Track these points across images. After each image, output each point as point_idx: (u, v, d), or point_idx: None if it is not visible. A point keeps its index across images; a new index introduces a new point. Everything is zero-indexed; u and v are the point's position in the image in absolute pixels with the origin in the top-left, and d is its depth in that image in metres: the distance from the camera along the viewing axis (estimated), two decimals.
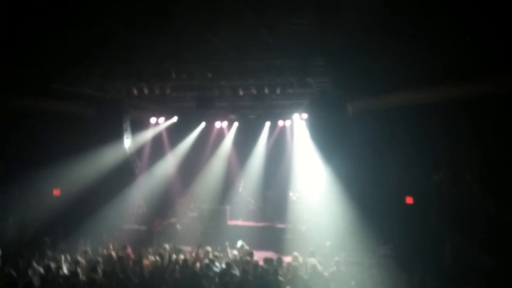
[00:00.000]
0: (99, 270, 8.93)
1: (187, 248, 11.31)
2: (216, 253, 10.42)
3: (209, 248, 10.63)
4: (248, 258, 9.91)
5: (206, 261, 9.48)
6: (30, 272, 8.81)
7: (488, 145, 10.25)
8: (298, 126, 15.49)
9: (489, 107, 9.87)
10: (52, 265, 9.31)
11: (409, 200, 12.17)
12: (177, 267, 9.26)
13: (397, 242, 11.37)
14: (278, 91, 12.23)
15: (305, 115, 14.85)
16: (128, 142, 15.28)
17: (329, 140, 13.05)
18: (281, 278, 8.46)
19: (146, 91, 12.87)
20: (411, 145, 11.75)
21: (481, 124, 10.23)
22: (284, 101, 14.03)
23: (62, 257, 9.68)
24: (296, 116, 15.31)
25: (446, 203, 10.95)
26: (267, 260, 9.57)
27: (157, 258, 9.87)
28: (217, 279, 8.59)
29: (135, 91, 12.84)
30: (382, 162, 12.53)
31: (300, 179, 14.63)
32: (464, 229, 10.16)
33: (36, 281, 8.30)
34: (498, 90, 9.58)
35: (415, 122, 11.56)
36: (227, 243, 10.97)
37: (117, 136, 14.85)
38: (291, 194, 14.90)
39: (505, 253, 9.11)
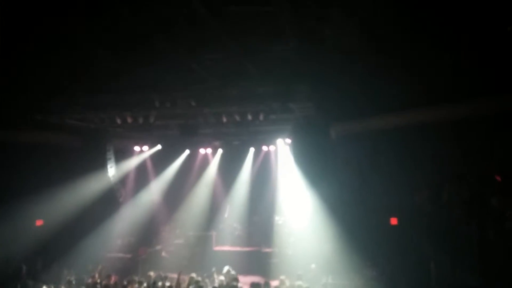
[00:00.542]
0: None
1: (173, 275, 11.19)
2: (200, 279, 10.34)
3: (194, 274, 10.56)
4: (234, 283, 9.85)
5: (192, 287, 9.40)
6: None
7: (469, 167, 10.52)
8: (282, 151, 15.69)
9: (470, 129, 10.16)
10: None
11: (394, 221, 12.34)
12: None
13: (382, 263, 11.44)
14: (261, 117, 12.43)
15: (288, 140, 15.07)
16: (112, 171, 15.21)
17: (313, 164, 13.24)
18: None
19: (129, 120, 12.96)
20: (394, 167, 11.99)
21: (462, 146, 10.50)
22: (267, 127, 14.24)
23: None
24: (280, 141, 15.52)
25: (429, 223, 11.12)
26: (254, 285, 9.54)
27: (144, 285, 9.74)
28: None
29: (118, 121, 12.90)
30: (366, 184, 12.73)
31: (286, 203, 14.72)
32: (448, 249, 10.30)
33: None
34: (480, 112, 9.88)
35: (398, 145, 11.83)
36: (214, 269, 10.91)
37: (101, 165, 14.80)
38: (276, 218, 14.95)
39: (487, 273, 9.23)
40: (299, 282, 9.53)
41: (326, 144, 13.33)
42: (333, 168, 12.88)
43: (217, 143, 16.51)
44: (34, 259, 12.36)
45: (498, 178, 9.50)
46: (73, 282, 10.59)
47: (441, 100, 10.42)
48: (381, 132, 12.17)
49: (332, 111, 12.35)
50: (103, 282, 10.31)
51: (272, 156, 16.40)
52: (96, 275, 10.92)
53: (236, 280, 9.99)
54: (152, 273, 10.87)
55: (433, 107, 10.76)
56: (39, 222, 13.66)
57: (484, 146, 10.02)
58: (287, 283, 10.00)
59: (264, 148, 16.41)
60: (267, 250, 14.23)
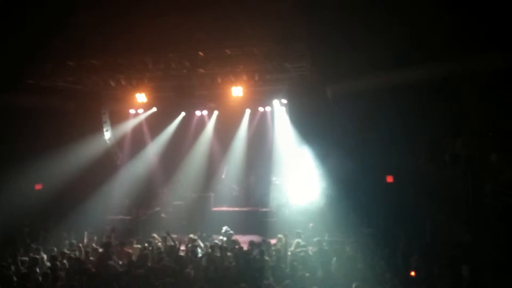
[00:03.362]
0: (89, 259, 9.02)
1: (173, 236, 11.40)
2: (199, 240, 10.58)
3: (192, 235, 10.80)
4: (233, 242, 10.10)
5: (192, 247, 9.62)
6: (16, 266, 8.79)
7: (467, 124, 10.54)
8: (278, 111, 15.62)
9: (467, 86, 10.11)
10: (40, 256, 9.35)
11: (390, 179, 12.51)
12: (163, 254, 9.37)
13: (378, 220, 11.69)
14: (256, 78, 12.31)
15: (284, 101, 14.98)
16: (108, 134, 15.18)
17: (309, 124, 13.21)
18: (267, 258, 8.66)
19: (123, 82, 12.77)
20: (390, 125, 12.01)
21: (460, 103, 10.49)
22: (263, 87, 14.11)
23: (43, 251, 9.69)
24: (276, 102, 15.41)
25: (426, 181, 11.27)
26: (252, 243, 9.76)
27: (145, 245, 9.97)
28: (202, 263, 8.74)
29: (112, 83, 12.72)
30: (362, 143, 12.77)
31: (282, 163, 14.81)
32: (444, 207, 10.48)
33: (24, 272, 8.29)
34: (477, 68, 9.77)
35: (394, 103, 11.78)
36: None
37: (97, 128, 14.75)
38: (274, 178, 15.10)
39: (482, 230, 9.42)
40: (297, 240, 9.75)
41: (322, 104, 13.25)
42: (329, 128, 12.86)
43: (212, 104, 16.37)
44: (34, 223, 12.53)
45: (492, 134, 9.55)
46: (74, 244, 10.81)
47: (437, 57, 10.29)
48: (378, 90, 12.07)
49: (328, 70, 12.20)
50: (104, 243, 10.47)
51: (268, 117, 16.35)
52: (95, 237, 11.15)
53: (236, 242, 10.24)
54: (155, 235, 11.07)
55: (429, 64, 10.63)
56: (38, 186, 13.77)
57: (481, 103, 9.99)
58: (285, 241, 10.23)
59: (260, 109, 16.32)
60: (265, 209, 14.48)
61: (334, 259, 8.44)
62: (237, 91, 12.70)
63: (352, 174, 12.26)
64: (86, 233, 11.54)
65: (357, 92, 12.71)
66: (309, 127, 13.19)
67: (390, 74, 11.62)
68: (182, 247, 10.22)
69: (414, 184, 11.45)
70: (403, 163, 11.94)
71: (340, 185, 12.18)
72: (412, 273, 7.92)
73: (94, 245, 10.56)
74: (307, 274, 7.81)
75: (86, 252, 9.63)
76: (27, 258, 9.39)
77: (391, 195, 11.79)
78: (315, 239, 9.85)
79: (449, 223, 10.01)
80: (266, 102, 15.79)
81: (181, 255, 9.22)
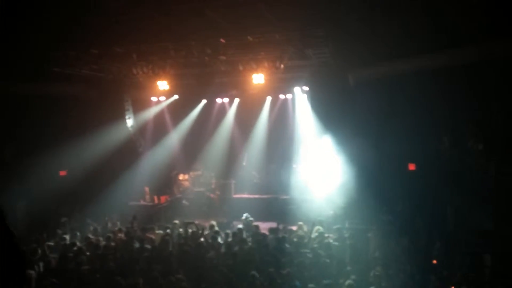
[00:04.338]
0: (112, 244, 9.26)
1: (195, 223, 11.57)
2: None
3: (213, 222, 10.93)
4: (254, 229, 10.19)
5: (212, 233, 9.76)
6: (44, 251, 9.07)
7: (489, 109, 10.30)
8: (299, 99, 15.51)
9: (488, 71, 9.86)
10: (65, 241, 9.64)
11: (412, 166, 12.33)
12: (184, 240, 9.54)
13: (400, 208, 11.57)
14: (277, 65, 12.21)
15: (306, 88, 14.85)
16: (130, 121, 15.40)
17: (330, 111, 13.12)
18: (287, 245, 8.71)
19: (145, 70, 12.88)
20: (412, 112, 11.80)
21: (481, 88, 10.24)
22: (284, 75, 14.01)
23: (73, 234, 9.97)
24: (297, 89, 15.30)
25: (447, 169, 11.09)
26: (272, 230, 9.83)
27: (167, 231, 10.15)
28: (223, 249, 8.85)
29: (134, 71, 12.85)
30: (384, 130, 12.60)
31: (303, 151, 14.75)
32: (465, 194, 10.31)
33: (52, 258, 8.57)
34: (497, 55, 9.55)
35: (416, 90, 11.55)
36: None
37: (119, 116, 14.98)
38: (294, 165, 15.07)
39: (503, 218, 9.26)
40: (317, 227, 9.75)
41: (344, 91, 13.12)
42: (350, 115, 12.72)
43: (234, 92, 16.37)
44: (59, 208, 12.89)
45: None
46: (98, 230, 11.09)
47: (461, 42, 10.06)
48: (400, 77, 11.89)
49: (350, 57, 12.05)
50: (127, 229, 10.71)
51: (290, 104, 16.26)
52: (118, 223, 11.42)
53: (257, 226, 10.33)
54: (177, 221, 11.26)
55: (452, 50, 10.41)
56: (62, 173, 14.15)
57: (501, 88, 9.73)
58: (305, 228, 10.26)
59: (281, 96, 16.23)
60: (285, 197, 14.49)
61: (353, 246, 8.43)
62: (258, 78, 12.65)
63: (374, 161, 12.13)
64: (107, 218, 11.83)
65: (379, 78, 12.52)
66: (330, 114, 13.09)
67: (412, 60, 11.42)
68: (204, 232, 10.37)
69: (437, 171, 11.27)
70: (425, 151, 11.75)
71: (361, 172, 12.07)
72: (434, 261, 7.84)
73: (116, 230, 10.82)
74: (328, 261, 7.83)
75: (109, 238, 9.87)
76: (52, 243, 9.69)
77: (413, 183, 11.64)
78: (335, 227, 9.86)
79: (471, 211, 9.83)
80: (287, 89, 15.68)
81: (201, 241, 9.37)
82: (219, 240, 9.50)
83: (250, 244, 9.06)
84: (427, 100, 11.42)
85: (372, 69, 12.52)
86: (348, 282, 6.46)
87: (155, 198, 15.03)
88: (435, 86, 11.14)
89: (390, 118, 12.43)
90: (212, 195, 14.97)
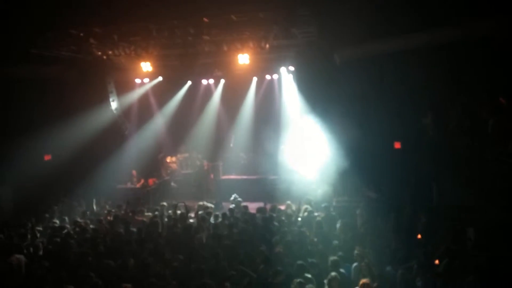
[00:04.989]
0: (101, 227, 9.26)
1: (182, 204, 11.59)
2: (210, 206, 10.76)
3: (201, 202, 10.98)
4: (243, 209, 10.25)
5: (201, 212, 9.80)
6: (33, 235, 9.02)
7: (471, 89, 10.41)
8: (285, 79, 15.46)
9: (471, 51, 9.93)
10: (53, 225, 9.59)
11: (397, 145, 12.48)
12: (174, 221, 9.56)
13: (385, 186, 11.75)
14: (263, 44, 12.09)
15: (292, 68, 14.79)
16: (114, 104, 15.18)
17: (316, 90, 13.14)
18: (276, 224, 8.81)
19: (127, 51, 12.63)
20: (398, 91, 11.87)
21: (464, 68, 10.32)
22: (270, 55, 13.90)
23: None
24: (283, 69, 15.22)
25: (432, 147, 11.25)
26: (260, 209, 9.90)
27: (156, 213, 10.16)
28: (212, 230, 8.91)
29: (116, 52, 12.59)
30: (370, 109, 12.70)
31: (290, 131, 14.78)
32: (450, 171, 10.49)
33: (40, 242, 8.53)
34: (482, 34, 9.60)
35: (402, 69, 11.61)
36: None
37: (103, 98, 14.74)
38: (281, 146, 15.12)
39: (486, 192, 9.47)
40: (305, 206, 9.87)
41: (330, 70, 13.11)
42: (337, 95, 12.76)
43: (219, 73, 16.20)
44: (46, 193, 12.74)
45: (502, 100, 9.41)
46: (87, 213, 11.04)
47: (442, 22, 10.08)
48: (385, 57, 11.90)
49: (335, 36, 11.98)
50: (115, 212, 10.70)
51: (276, 85, 16.20)
52: (107, 206, 11.38)
53: (246, 207, 10.40)
54: (165, 203, 11.27)
55: (434, 30, 10.43)
56: (47, 157, 13.94)
57: (484, 68, 9.83)
58: (293, 207, 10.37)
59: (267, 77, 16.15)
60: (273, 177, 14.58)
61: (339, 224, 8.56)
62: (243, 59, 12.55)
63: (360, 140, 12.24)
64: (94, 200, 11.76)
65: (365, 57, 12.51)
66: (316, 94, 13.11)
67: (397, 39, 11.41)
68: (191, 215, 10.41)
69: (421, 149, 11.43)
70: (410, 129, 11.88)
71: (348, 151, 12.17)
72: (419, 236, 8.02)
73: (105, 213, 10.80)
74: (315, 239, 7.96)
75: (98, 221, 9.85)
76: (41, 228, 9.64)
77: (399, 161, 11.80)
78: (322, 205, 9.99)
79: (454, 188, 10.04)
80: (273, 69, 15.58)
81: (191, 222, 9.41)
82: (211, 220, 9.55)
83: (239, 224, 9.13)
84: (413, 79, 11.49)
85: (358, 48, 12.49)
86: (333, 258, 6.57)
87: (143, 180, 14.96)
88: (421, 65, 11.19)
89: (376, 97, 12.49)
90: (210, 177, 14.90)
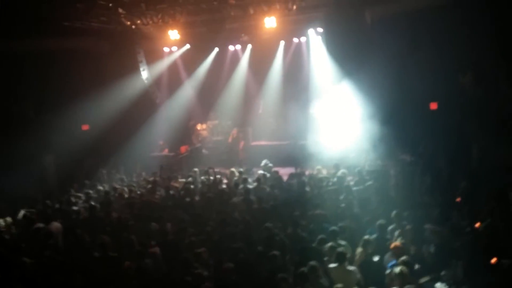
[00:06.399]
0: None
1: (215, 170, 11.74)
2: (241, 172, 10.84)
3: (233, 169, 11.06)
4: (274, 174, 10.28)
5: (235, 179, 9.89)
6: (76, 200, 9.41)
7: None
8: (314, 41, 15.03)
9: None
10: (94, 191, 9.97)
11: (433, 105, 12.07)
12: (207, 187, 9.72)
13: (422, 148, 11.45)
14: (290, 5, 11.74)
15: (320, 29, 14.33)
16: (145, 73, 15.28)
17: (347, 51, 12.73)
18: (307, 189, 8.79)
19: (155, 19, 12.57)
20: (433, 49, 11.38)
21: (506, 22, 9.71)
22: (297, 16, 13.48)
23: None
24: (311, 31, 14.77)
25: (471, 105, 10.79)
26: (292, 175, 9.89)
27: (189, 179, 10.35)
28: (244, 196, 8.96)
29: (144, 20, 12.57)
30: (404, 69, 12.17)
31: (320, 94, 14.49)
32: (491, 131, 10.08)
33: (83, 208, 8.88)
34: None
35: (437, 25, 11.07)
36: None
37: (134, 68, 14.84)
38: (311, 111, 14.89)
39: None
40: (342, 170, 9.75)
41: (361, 30, 12.66)
42: (369, 55, 12.28)
43: (246, 38, 15.90)
44: (85, 161, 13.22)
45: None
46: (125, 180, 11.40)
47: None
48: (419, 13, 11.34)
49: None
50: (151, 179, 10.95)
51: (304, 48, 15.79)
52: (143, 173, 11.71)
53: (276, 172, 10.42)
54: (196, 169, 11.45)
55: None
56: (85, 127, 14.37)
57: None
58: (324, 172, 10.30)
59: (295, 40, 15.74)
60: (303, 142, 14.45)
61: (374, 189, 8.42)
62: (270, 22, 12.26)
63: (394, 101, 11.88)
64: (132, 169, 12.11)
65: (398, 14, 11.96)
66: (347, 55, 12.70)
67: None
68: (224, 181, 10.54)
69: (460, 109, 10.99)
70: (447, 88, 11.41)
71: (382, 114, 11.85)
72: (458, 199, 7.82)
73: (142, 180, 11.11)
74: (349, 203, 7.87)
75: (135, 186, 10.15)
76: (82, 194, 10.02)
77: (436, 122, 11.42)
78: (356, 169, 9.84)
79: (496, 147, 9.65)
80: (301, 32, 15.16)
81: (224, 188, 9.53)
82: (247, 185, 9.61)
83: (271, 189, 9.16)
84: (449, 35, 10.94)
85: (390, 4, 11.93)
86: (380, 222, 6.46)
87: (175, 148, 15.21)
88: (458, 21, 10.61)
89: (410, 56, 11.99)
90: (240, 144, 14.96)
